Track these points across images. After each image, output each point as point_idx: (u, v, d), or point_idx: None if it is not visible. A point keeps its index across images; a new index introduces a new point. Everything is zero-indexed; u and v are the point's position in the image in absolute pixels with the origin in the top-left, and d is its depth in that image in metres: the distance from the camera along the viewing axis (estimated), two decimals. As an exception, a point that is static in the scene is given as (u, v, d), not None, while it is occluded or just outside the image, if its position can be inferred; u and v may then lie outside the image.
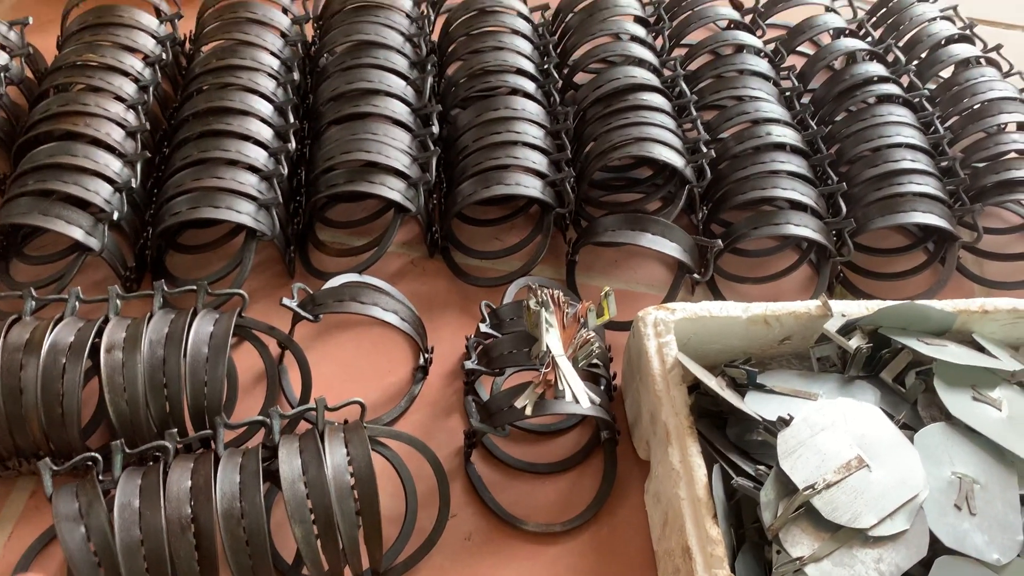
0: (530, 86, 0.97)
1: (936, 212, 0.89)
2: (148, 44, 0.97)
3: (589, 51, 1.03)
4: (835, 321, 0.72)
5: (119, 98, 0.89)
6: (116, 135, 0.86)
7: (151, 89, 0.92)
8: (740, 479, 0.63)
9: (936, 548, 0.60)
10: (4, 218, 0.79)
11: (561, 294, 0.73)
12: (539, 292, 0.72)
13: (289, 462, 0.62)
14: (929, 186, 0.90)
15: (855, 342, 0.70)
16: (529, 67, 0.99)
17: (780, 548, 0.58)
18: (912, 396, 0.70)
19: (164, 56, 0.97)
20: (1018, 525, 0.61)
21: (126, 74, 0.92)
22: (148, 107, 0.91)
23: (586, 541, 0.73)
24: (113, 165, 0.84)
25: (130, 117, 0.88)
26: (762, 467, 0.64)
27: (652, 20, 1.11)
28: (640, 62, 1.01)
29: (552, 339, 0.69)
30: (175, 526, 0.59)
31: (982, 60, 1.07)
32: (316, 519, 0.61)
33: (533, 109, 0.93)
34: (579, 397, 0.66)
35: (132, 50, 0.95)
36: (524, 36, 1.03)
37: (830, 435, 0.62)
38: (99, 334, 0.70)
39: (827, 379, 0.72)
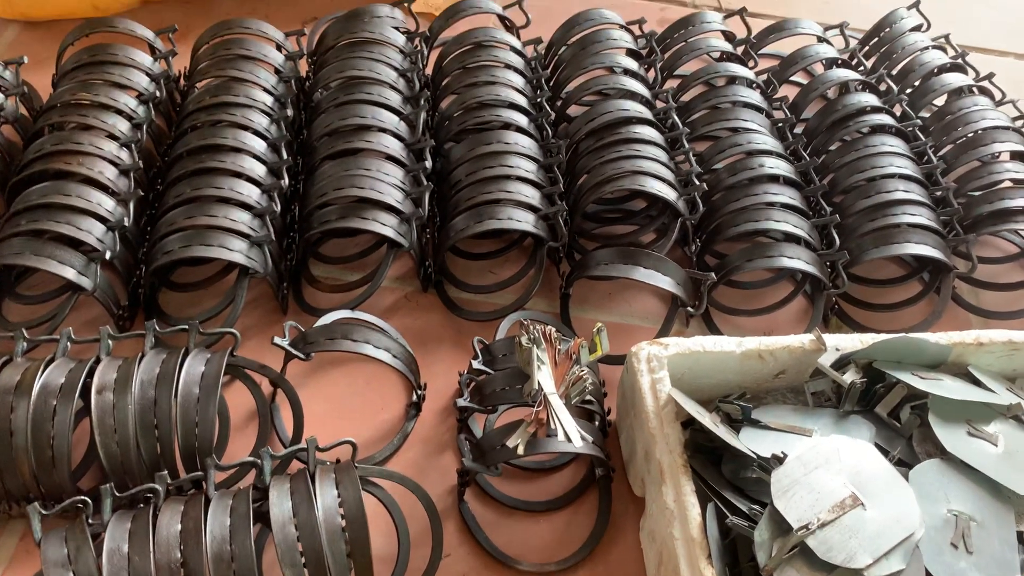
0: (523, 120, 0.97)
1: (930, 243, 0.88)
2: (142, 82, 0.97)
3: (582, 84, 1.03)
4: (829, 355, 0.72)
5: (112, 136, 0.89)
6: (109, 173, 0.86)
7: (145, 127, 0.93)
8: (735, 518, 0.63)
9: (933, 588, 0.59)
10: (-3, 259, 0.79)
11: (553, 330, 0.72)
12: (531, 329, 0.72)
13: (279, 504, 0.62)
14: (923, 216, 0.90)
15: (849, 376, 0.70)
16: (522, 101, 0.99)
17: (775, 589, 0.58)
18: (907, 431, 0.69)
19: (158, 93, 0.98)
20: (1015, 563, 0.61)
21: (120, 112, 0.92)
22: (142, 145, 0.91)
23: (581, 581, 0.72)
24: (106, 204, 0.84)
25: (123, 155, 0.88)
26: (756, 506, 0.63)
27: (644, 53, 1.11)
28: (632, 95, 1.01)
29: (544, 377, 0.69)
30: (164, 571, 0.58)
31: (974, 89, 1.07)
32: (307, 562, 0.60)
33: (526, 143, 0.93)
34: (571, 436, 0.65)
35: (126, 88, 0.95)
36: (517, 70, 1.03)
37: (824, 473, 0.62)
38: (90, 375, 0.70)
39: (822, 414, 0.71)
